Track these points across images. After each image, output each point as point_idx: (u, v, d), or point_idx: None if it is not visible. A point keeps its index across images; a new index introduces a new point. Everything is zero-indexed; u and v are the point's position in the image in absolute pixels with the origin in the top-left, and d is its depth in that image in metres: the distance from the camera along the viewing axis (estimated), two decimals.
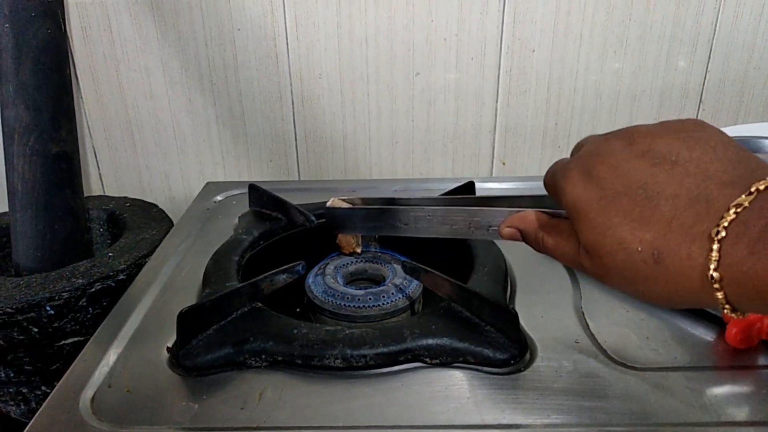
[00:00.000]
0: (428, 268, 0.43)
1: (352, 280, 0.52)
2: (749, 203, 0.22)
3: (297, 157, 0.77)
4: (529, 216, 0.34)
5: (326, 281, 0.47)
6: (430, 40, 0.70)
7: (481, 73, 0.72)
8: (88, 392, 0.36)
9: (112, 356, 0.39)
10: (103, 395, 0.36)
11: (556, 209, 0.33)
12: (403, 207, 0.45)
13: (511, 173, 0.78)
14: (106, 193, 0.79)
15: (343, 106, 0.74)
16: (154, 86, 0.73)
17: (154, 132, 0.76)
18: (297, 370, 0.38)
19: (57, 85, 0.58)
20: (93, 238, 0.69)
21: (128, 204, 0.70)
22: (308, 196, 0.60)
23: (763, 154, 0.60)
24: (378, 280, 0.50)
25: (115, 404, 0.35)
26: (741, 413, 0.34)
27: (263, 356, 0.38)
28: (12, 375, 0.53)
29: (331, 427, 0.33)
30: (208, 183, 0.71)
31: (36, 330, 0.51)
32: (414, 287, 0.47)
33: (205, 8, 0.69)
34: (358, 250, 0.52)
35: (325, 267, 0.50)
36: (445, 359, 0.38)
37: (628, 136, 0.27)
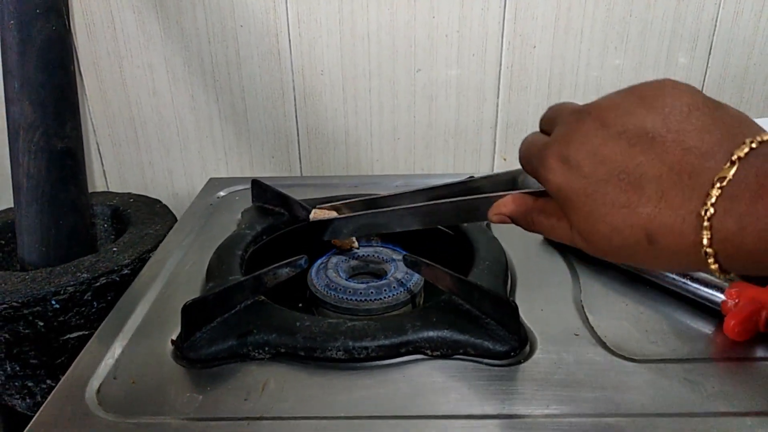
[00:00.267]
0: (429, 262, 0.44)
1: (354, 274, 0.52)
2: (732, 175, 0.22)
3: (299, 152, 0.77)
4: (516, 200, 0.33)
5: (329, 275, 0.48)
6: (432, 36, 0.71)
7: (482, 69, 0.72)
8: (94, 384, 0.36)
9: (117, 349, 0.40)
10: (108, 387, 0.36)
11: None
12: (384, 210, 0.44)
13: (513, 169, 0.78)
14: (110, 189, 0.79)
15: (345, 102, 0.74)
16: (157, 83, 0.73)
17: (157, 128, 0.76)
18: (299, 362, 0.38)
19: (61, 81, 0.58)
20: (97, 234, 0.69)
21: (132, 200, 0.70)
22: (310, 191, 0.61)
23: None
24: (380, 274, 0.51)
25: (120, 395, 0.35)
26: (739, 404, 0.34)
27: (266, 348, 0.38)
28: (18, 369, 0.54)
29: (333, 418, 0.33)
30: (210, 179, 0.71)
31: (41, 324, 0.51)
32: (415, 281, 0.47)
33: (207, 5, 0.69)
34: (355, 245, 0.53)
35: (327, 261, 0.50)
36: (446, 351, 0.38)
37: (600, 114, 0.26)
